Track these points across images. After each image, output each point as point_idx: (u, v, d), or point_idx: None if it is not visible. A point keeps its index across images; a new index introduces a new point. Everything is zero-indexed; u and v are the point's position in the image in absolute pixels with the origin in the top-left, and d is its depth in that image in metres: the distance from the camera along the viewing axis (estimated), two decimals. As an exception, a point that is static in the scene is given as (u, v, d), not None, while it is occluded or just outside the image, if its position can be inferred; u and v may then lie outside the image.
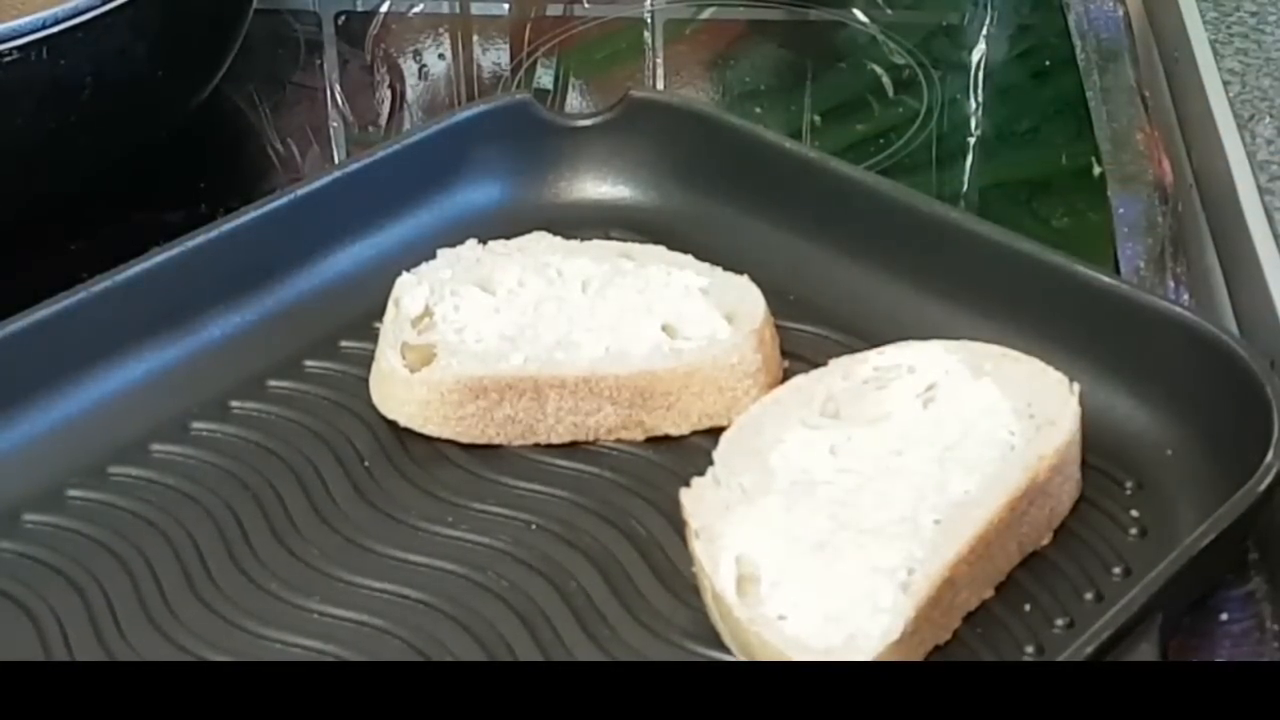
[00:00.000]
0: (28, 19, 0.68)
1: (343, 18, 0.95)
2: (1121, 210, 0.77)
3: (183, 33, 0.75)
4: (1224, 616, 0.58)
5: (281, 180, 0.83)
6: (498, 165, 0.75)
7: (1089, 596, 0.57)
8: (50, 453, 0.64)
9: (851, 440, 0.60)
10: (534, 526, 0.61)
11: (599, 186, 0.75)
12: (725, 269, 0.68)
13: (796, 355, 0.66)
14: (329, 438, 0.65)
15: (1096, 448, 0.61)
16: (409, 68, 0.91)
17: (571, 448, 0.64)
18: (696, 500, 0.58)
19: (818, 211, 0.71)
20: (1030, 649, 0.56)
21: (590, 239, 0.70)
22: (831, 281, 0.70)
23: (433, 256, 0.68)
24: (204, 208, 0.77)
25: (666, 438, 0.64)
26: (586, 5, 0.95)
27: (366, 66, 0.91)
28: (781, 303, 0.67)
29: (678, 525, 0.59)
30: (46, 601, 0.59)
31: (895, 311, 0.68)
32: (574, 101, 0.89)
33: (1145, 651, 0.53)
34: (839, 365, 0.63)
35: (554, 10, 0.96)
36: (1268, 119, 0.77)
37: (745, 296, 0.66)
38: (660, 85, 0.90)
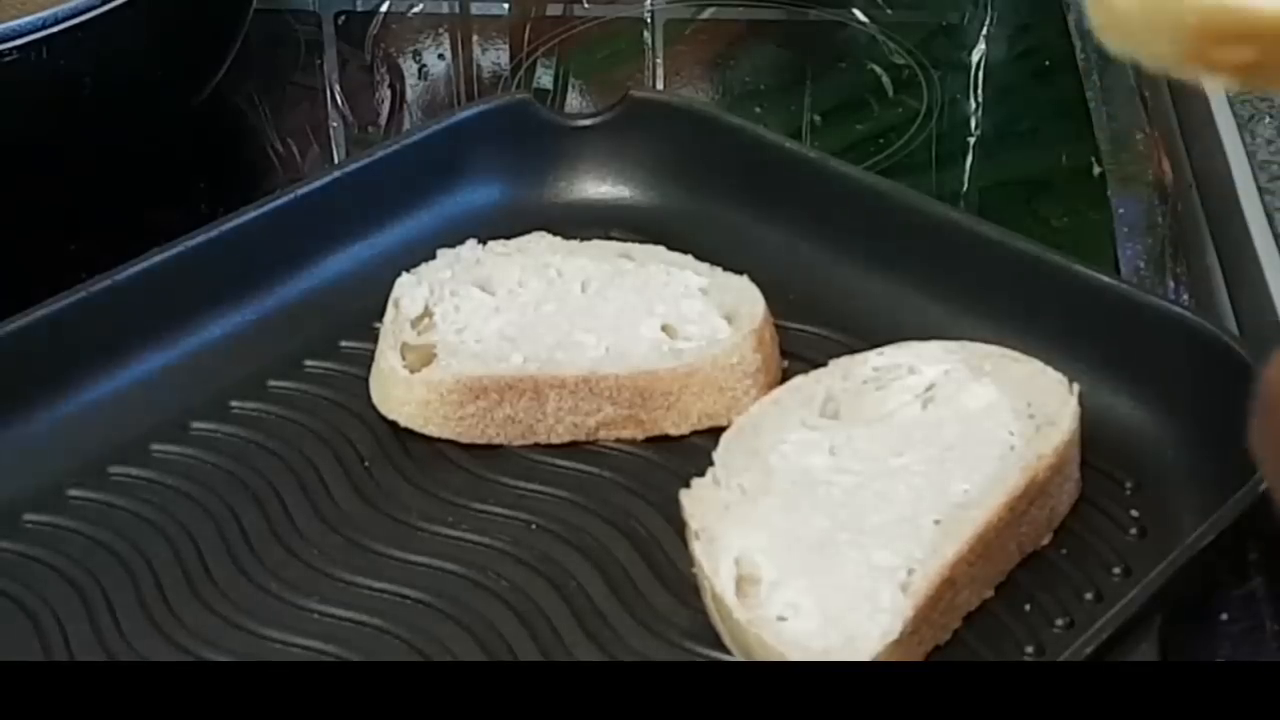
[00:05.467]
0: (28, 19, 0.68)
1: (343, 18, 0.95)
2: (1121, 210, 0.77)
3: (183, 33, 0.75)
4: (1224, 616, 0.58)
5: (281, 180, 0.83)
6: (498, 165, 0.75)
7: (1089, 596, 0.57)
8: (50, 453, 0.64)
9: (851, 440, 0.60)
10: (534, 526, 0.61)
11: (599, 186, 0.75)
12: (725, 269, 0.68)
13: (796, 355, 0.66)
14: (329, 438, 0.65)
15: (1096, 448, 0.61)
16: (409, 68, 0.91)
17: (571, 448, 0.64)
18: (696, 500, 0.58)
19: (818, 211, 0.71)
20: (1030, 649, 0.56)
21: (590, 239, 0.70)
22: (831, 281, 0.70)
23: (433, 256, 0.68)
24: (204, 208, 0.77)
25: (666, 438, 0.64)
26: (586, 5, 0.95)
27: (366, 66, 0.92)
28: (781, 303, 0.67)
29: (678, 525, 0.59)
30: (46, 601, 0.59)
31: (895, 311, 0.68)
32: (574, 101, 0.89)
33: (1145, 651, 0.53)
34: (839, 365, 0.63)
35: (554, 10, 0.96)
36: (1268, 119, 0.77)
37: (745, 296, 0.66)
38: (660, 85, 0.90)
